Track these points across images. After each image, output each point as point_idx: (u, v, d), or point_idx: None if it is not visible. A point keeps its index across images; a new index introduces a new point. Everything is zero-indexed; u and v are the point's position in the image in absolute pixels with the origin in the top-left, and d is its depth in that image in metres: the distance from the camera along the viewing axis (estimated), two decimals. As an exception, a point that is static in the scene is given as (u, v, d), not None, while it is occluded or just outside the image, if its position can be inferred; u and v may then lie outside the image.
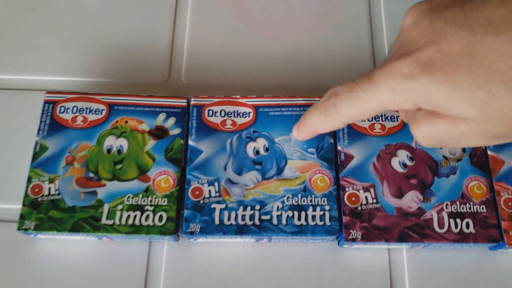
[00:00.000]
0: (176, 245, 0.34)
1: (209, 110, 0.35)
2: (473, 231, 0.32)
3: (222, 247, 0.33)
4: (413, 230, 0.32)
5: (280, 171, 0.33)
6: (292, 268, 0.33)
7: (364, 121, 0.35)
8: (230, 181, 0.33)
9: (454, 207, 0.32)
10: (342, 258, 0.33)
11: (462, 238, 0.31)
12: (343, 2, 0.42)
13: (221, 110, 0.35)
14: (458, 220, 0.32)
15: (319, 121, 0.28)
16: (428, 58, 0.22)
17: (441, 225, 0.32)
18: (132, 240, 0.33)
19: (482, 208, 0.32)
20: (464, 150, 0.34)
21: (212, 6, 0.42)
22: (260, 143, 0.34)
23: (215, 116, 0.34)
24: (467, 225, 0.32)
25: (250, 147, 0.34)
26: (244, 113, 0.35)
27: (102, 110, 0.35)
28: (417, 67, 0.22)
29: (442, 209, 0.32)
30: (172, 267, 0.33)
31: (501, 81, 0.20)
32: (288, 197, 0.32)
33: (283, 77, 0.39)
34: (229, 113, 0.35)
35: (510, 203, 0.32)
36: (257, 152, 0.33)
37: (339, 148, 0.34)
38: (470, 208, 0.32)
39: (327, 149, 0.33)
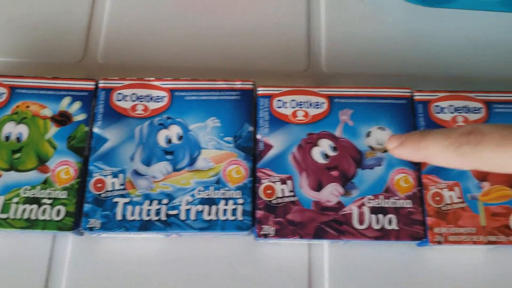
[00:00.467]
0: (81, 239, 0.31)
1: (118, 94, 0.32)
2: (396, 228, 0.29)
3: (131, 242, 0.31)
4: (330, 226, 0.29)
5: (192, 161, 0.30)
6: (205, 263, 0.31)
7: (287, 107, 0.32)
8: (136, 173, 0.30)
9: (377, 201, 0.30)
10: (259, 253, 0.31)
11: (383, 235, 0.29)
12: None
13: (132, 94, 0.32)
14: (380, 216, 0.30)
15: (445, 155, 0.24)
16: None
17: (361, 221, 0.29)
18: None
19: (408, 203, 0.30)
20: (392, 139, 0.31)
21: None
22: (173, 131, 0.31)
23: (124, 100, 0.32)
24: (390, 221, 0.30)
25: (161, 135, 0.31)
26: (158, 97, 0.32)
27: (2, 93, 0.32)
28: None
29: (363, 204, 0.30)
30: (76, 263, 0.31)
31: None
32: (199, 190, 0.30)
33: (207, 59, 0.36)
34: (141, 97, 0.32)
35: (437, 198, 0.30)
36: (169, 141, 0.31)
37: (258, 137, 0.31)
38: (394, 203, 0.30)
39: (245, 138, 0.31)
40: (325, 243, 0.32)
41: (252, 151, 0.31)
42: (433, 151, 0.24)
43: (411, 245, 0.31)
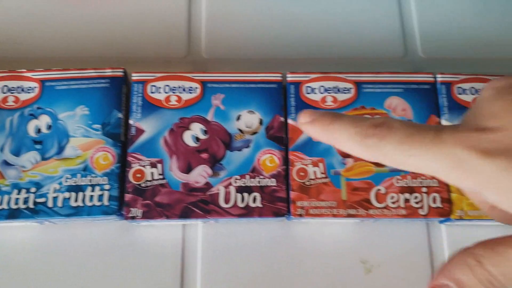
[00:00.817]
0: (-43, 231, 0.32)
1: (-12, 86, 0.32)
2: (260, 205, 0.31)
3: (7, 230, 0.32)
4: (197, 206, 0.30)
5: (60, 150, 0.31)
6: (80, 249, 0.32)
7: (161, 92, 0.33)
8: (6, 163, 0.30)
9: (243, 181, 0.31)
10: (133, 236, 0.32)
11: (247, 212, 0.30)
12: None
13: (4, 86, 0.32)
14: (246, 195, 0.31)
15: (349, 143, 0.23)
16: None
17: (227, 200, 0.31)
18: None
19: (272, 182, 0.31)
20: (261, 122, 0.32)
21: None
22: (43, 121, 0.31)
23: (-5, 92, 0.32)
24: (254, 199, 0.31)
25: (31, 126, 0.31)
26: (29, 88, 0.32)
27: None
28: (499, 148, 0.19)
29: (230, 184, 0.31)
30: (-48, 255, 0.31)
31: None
32: (66, 178, 0.30)
33: (86, 48, 0.36)
34: (12, 88, 0.32)
35: (302, 173, 0.32)
36: (39, 131, 0.31)
37: (131, 122, 0.32)
38: (259, 182, 0.31)
39: (114, 124, 0.31)
40: (199, 223, 0.33)
41: (120, 138, 0.32)
42: (339, 137, 0.24)
43: (282, 220, 0.33)
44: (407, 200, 0.31)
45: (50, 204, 0.30)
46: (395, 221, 0.33)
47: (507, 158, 0.19)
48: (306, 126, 0.26)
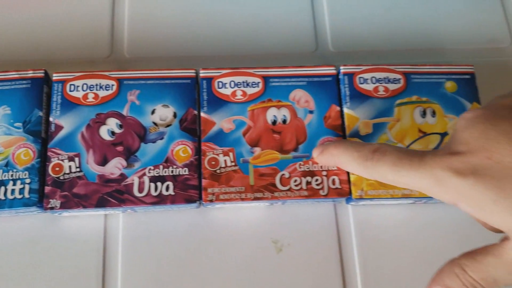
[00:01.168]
0: None
1: None
2: (172, 193, 0.33)
3: None
4: (112, 196, 0.33)
5: (-16, 147, 0.33)
6: (5, 241, 0.34)
7: (79, 91, 0.35)
8: None
9: (156, 171, 0.33)
10: (58, 227, 0.34)
11: (160, 200, 0.33)
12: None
13: None
14: (159, 184, 0.33)
15: (352, 165, 0.29)
16: (478, 162, 0.23)
17: (141, 189, 0.33)
18: None
19: (185, 171, 0.34)
20: (175, 115, 0.35)
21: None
22: (-33, 121, 0.33)
23: None
24: (167, 188, 0.33)
25: (-44, 125, 0.33)
26: (-46, 91, 0.34)
27: None
28: (467, 168, 0.23)
29: (144, 174, 0.33)
30: None
31: None
32: (-11, 173, 0.32)
33: (12, 51, 0.38)
34: None
35: (213, 162, 0.34)
36: (-37, 130, 0.33)
37: (50, 119, 0.34)
38: (172, 172, 0.33)
39: (34, 122, 0.34)
40: (120, 213, 0.35)
41: (40, 134, 0.34)
42: (344, 160, 0.30)
43: (199, 207, 0.35)
44: (308, 183, 0.34)
45: (-27, 198, 0.32)
46: (305, 204, 0.36)
47: (475, 176, 0.24)
48: (319, 157, 0.33)
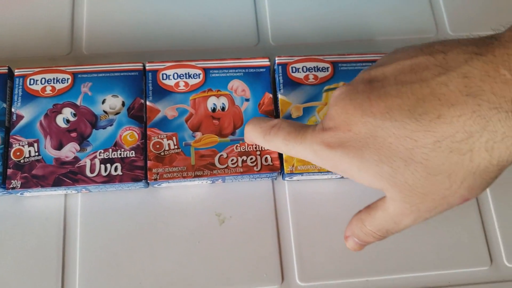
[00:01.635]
0: None
1: None
2: (120, 173, 0.37)
3: None
4: (67, 176, 0.37)
5: (-48, 136, 0.37)
6: (-23, 219, 0.38)
7: (38, 84, 0.39)
8: None
9: (106, 154, 0.37)
10: (22, 207, 0.38)
11: (109, 179, 0.37)
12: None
13: None
14: (108, 165, 0.37)
15: (258, 139, 0.33)
16: (343, 135, 0.27)
17: (92, 170, 0.37)
18: None
19: (132, 154, 0.38)
20: (123, 104, 0.39)
21: None
22: None
23: None
24: (116, 169, 0.37)
25: None
26: None
27: None
28: (335, 141, 0.27)
29: (95, 157, 0.37)
30: None
31: (400, 158, 0.25)
32: (-43, 159, 0.37)
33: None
34: None
35: (158, 146, 0.38)
36: None
37: (12, 110, 0.38)
38: (120, 154, 0.37)
39: (-2, 113, 0.38)
40: (79, 194, 0.39)
41: (4, 124, 0.38)
42: (252, 136, 0.34)
43: (149, 187, 0.39)
44: (244, 161, 0.38)
45: None
46: (246, 181, 0.40)
47: (341, 148, 0.27)
48: (245, 138, 0.36)
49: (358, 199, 0.39)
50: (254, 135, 0.33)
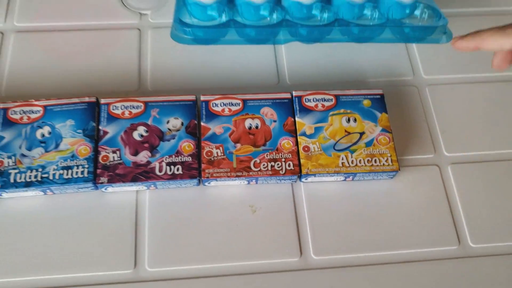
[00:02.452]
0: (-10, 202, 0.50)
1: (12, 110, 0.51)
2: (181, 173, 0.50)
3: (21, 200, 0.50)
4: (141, 174, 0.49)
5: (57, 146, 0.50)
6: (61, 216, 0.50)
7: (118, 109, 0.52)
8: (23, 155, 0.49)
9: (170, 159, 0.50)
10: (102, 200, 0.50)
11: (173, 177, 0.49)
12: None
13: (21, 110, 0.51)
14: (172, 166, 0.50)
15: (494, 35, 0.42)
16: None
17: (160, 170, 0.50)
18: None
19: (189, 159, 0.50)
20: (182, 124, 0.52)
21: None
22: (46, 129, 0.50)
23: (16, 114, 0.51)
24: (177, 169, 0.50)
25: (38, 132, 0.50)
26: (36, 111, 0.51)
27: None
28: None
29: (162, 161, 0.50)
30: (-13, 216, 0.49)
31: None
32: (61, 162, 0.49)
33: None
34: (25, 111, 0.51)
35: (209, 153, 0.51)
36: (43, 135, 0.50)
37: (100, 127, 0.51)
38: (181, 159, 0.50)
39: (90, 129, 0.51)
40: (147, 190, 0.51)
41: (94, 137, 0.51)
42: (487, 36, 0.44)
43: (200, 185, 0.51)
44: (272, 166, 0.51)
45: (51, 177, 0.48)
46: (273, 182, 0.52)
47: None
48: (460, 42, 0.46)
49: (355, 196, 0.52)
50: (489, 32, 0.43)
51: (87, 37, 0.60)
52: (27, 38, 0.60)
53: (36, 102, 0.52)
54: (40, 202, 0.50)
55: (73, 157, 0.49)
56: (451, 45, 0.48)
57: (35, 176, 0.48)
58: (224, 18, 0.57)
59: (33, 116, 0.51)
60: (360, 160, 0.51)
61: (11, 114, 0.51)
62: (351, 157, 0.52)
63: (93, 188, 0.50)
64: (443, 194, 0.53)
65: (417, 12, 0.59)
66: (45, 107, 0.52)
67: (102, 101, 0.53)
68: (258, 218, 0.51)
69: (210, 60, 0.60)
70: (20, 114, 0.51)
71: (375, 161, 0.51)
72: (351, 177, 0.52)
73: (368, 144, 0.52)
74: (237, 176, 0.50)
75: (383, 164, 0.51)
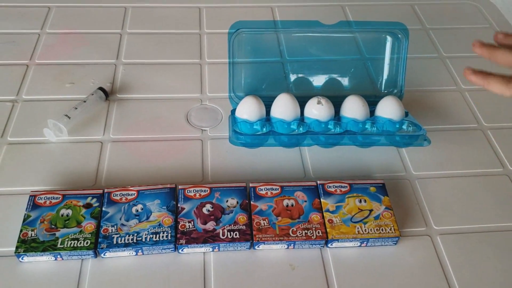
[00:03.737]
0: (95, 260, 0.66)
1: (114, 194, 0.70)
2: (238, 237, 0.67)
3: (118, 259, 0.66)
4: (210, 238, 0.66)
5: (147, 218, 0.68)
6: (147, 273, 0.65)
7: (192, 192, 0.71)
8: (122, 224, 0.67)
9: (231, 227, 0.68)
10: (179, 260, 0.66)
11: (232, 240, 0.66)
12: None
13: (120, 193, 0.70)
14: (231, 232, 0.67)
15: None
16: None
17: (223, 235, 0.66)
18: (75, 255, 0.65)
19: (244, 227, 0.68)
20: (237, 203, 0.70)
21: None
22: (139, 206, 0.69)
23: (117, 196, 0.70)
24: (236, 234, 0.67)
25: (133, 209, 0.68)
26: (132, 194, 0.70)
27: (58, 197, 0.69)
28: None
29: (225, 228, 0.67)
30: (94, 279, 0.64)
31: None
32: (151, 229, 0.66)
33: (155, 178, 0.76)
34: (126, 194, 0.70)
35: (258, 223, 0.68)
36: (137, 210, 0.68)
37: (179, 205, 0.69)
38: (237, 227, 0.68)
39: (171, 207, 0.69)
40: (211, 253, 0.67)
41: (175, 212, 0.68)
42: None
43: (250, 249, 0.68)
44: (306, 233, 0.67)
45: (143, 240, 0.65)
46: (305, 246, 0.68)
47: None
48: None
49: (368, 258, 0.68)
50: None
51: (164, 145, 0.82)
52: (120, 146, 0.81)
53: (131, 188, 0.72)
54: (132, 261, 0.66)
55: (160, 225, 0.67)
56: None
57: (132, 239, 0.65)
58: (265, 130, 0.79)
59: (129, 197, 0.70)
60: (371, 229, 0.69)
61: (114, 196, 0.70)
62: (364, 227, 0.69)
63: (173, 249, 0.66)
64: (436, 258, 0.69)
65: (404, 126, 0.82)
66: (138, 191, 0.71)
67: (179, 186, 0.72)
68: (296, 274, 0.66)
69: (255, 159, 0.81)
70: (120, 196, 0.70)
71: (382, 230, 0.69)
72: (365, 242, 0.69)
73: (376, 217, 0.70)
74: (279, 240, 0.67)
75: (388, 231, 0.69)
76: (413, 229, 0.73)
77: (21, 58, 0.97)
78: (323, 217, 0.70)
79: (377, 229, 0.69)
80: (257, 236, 0.67)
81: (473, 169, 0.82)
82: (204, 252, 0.68)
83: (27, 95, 0.89)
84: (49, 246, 0.64)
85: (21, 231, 0.65)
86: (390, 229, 0.69)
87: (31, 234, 0.65)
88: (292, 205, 0.71)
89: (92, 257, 0.66)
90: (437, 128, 0.89)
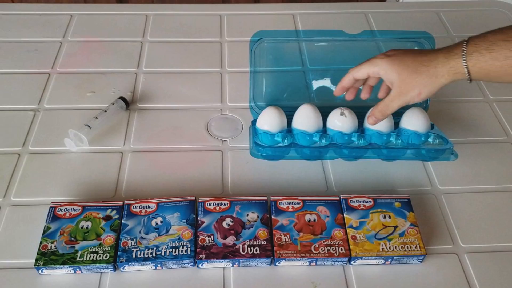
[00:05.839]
0: (114, 273, 0.65)
1: (133, 206, 0.69)
2: (259, 253, 0.65)
3: (138, 273, 0.65)
4: (230, 253, 0.65)
5: (167, 231, 0.67)
6: (166, 287, 0.64)
7: (211, 205, 0.70)
8: (142, 238, 0.66)
9: (251, 242, 0.66)
10: (199, 275, 0.65)
11: (252, 256, 0.65)
12: None
13: (140, 205, 0.69)
14: (252, 248, 0.65)
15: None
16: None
17: (243, 251, 0.65)
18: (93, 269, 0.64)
19: (264, 242, 0.66)
20: (258, 217, 0.69)
21: None
22: (158, 219, 0.68)
23: (137, 208, 0.69)
24: (256, 250, 0.65)
25: (153, 221, 0.68)
26: (151, 206, 0.69)
27: (78, 208, 0.69)
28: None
29: (245, 243, 0.66)
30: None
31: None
32: (170, 243, 0.65)
33: (175, 190, 0.76)
34: (145, 206, 0.69)
35: (279, 239, 0.67)
36: (157, 223, 0.67)
37: (198, 218, 0.68)
38: (258, 243, 0.66)
39: (191, 220, 0.68)
40: (231, 268, 0.66)
41: (194, 225, 0.67)
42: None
43: (271, 265, 0.66)
44: (328, 250, 0.66)
45: (163, 254, 0.64)
46: (327, 264, 0.66)
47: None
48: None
49: (393, 276, 0.66)
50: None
51: (184, 155, 0.81)
52: (140, 156, 0.81)
53: (151, 200, 0.71)
54: (151, 275, 0.65)
55: (179, 239, 0.66)
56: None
57: (151, 253, 0.64)
58: (286, 142, 0.78)
59: (149, 210, 0.70)
60: (395, 247, 0.66)
61: (133, 208, 0.70)
62: (389, 244, 0.67)
63: (192, 264, 0.65)
64: (463, 277, 0.67)
65: (430, 139, 0.79)
66: (158, 203, 0.70)
67: (199, 199, 0.71)
68: (318, 291, 0.65)
69: (276, 171, 0.79)
70: (140, 208, 0.70)
71: (407, 247, 0.66)
72: (389, 260, 0.66)
73: (401, 234, 0.68)
74: (301, 256, 0.65)
75: (413, 249, 0.66)
76: (439, 246, 0.70)
77: (43, 67, 0.97)
78: (346, 233, 0.68)
79: (402, 246, 0.67)
80: (278, 252, 0.66)
81: (502, 184, 0.79)
82: (223, 268, 0.67)
83: (48, 104, 0.89)
84: (68, 259, 0.64)
85: (41, 243, 0.65)
86: (416, 247, 0.67)
87: (51, 246, 0.65)
88: (314, 220, 0.70)
89: (111, 270, 0.65)
90: (464, 141, 0.86)
